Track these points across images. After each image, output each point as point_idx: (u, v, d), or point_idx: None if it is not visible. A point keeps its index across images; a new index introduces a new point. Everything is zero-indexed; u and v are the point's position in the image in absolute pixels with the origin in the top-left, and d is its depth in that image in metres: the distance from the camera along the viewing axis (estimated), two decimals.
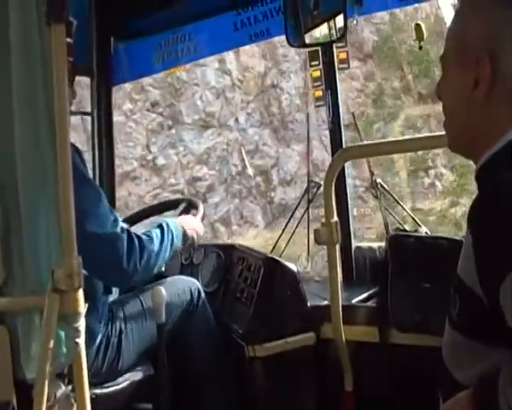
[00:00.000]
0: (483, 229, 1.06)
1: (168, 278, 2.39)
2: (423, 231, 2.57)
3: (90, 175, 2.30)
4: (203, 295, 2.37)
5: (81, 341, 1.45)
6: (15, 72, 1.50)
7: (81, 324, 1.45)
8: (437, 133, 2.08)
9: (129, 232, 2.02)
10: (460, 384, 1.16)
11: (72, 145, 1.67)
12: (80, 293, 1.44)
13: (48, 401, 1.47)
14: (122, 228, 2.01)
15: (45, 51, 1.45)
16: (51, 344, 1.43)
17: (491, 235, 1.04)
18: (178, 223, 2.25)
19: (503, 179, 1.08)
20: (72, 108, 2.12)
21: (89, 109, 3.04)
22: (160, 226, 2.16)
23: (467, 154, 1.27)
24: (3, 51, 1.50)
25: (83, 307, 1.45)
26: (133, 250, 1.99)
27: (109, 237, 1.97)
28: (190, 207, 2.54)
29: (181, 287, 2.32)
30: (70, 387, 1.60)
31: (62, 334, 1.53)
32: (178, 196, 10.00)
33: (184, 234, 2.25)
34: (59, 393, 1.59)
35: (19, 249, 1.55)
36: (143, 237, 2.06)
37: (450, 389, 1.18)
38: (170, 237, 2.15)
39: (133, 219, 2.67)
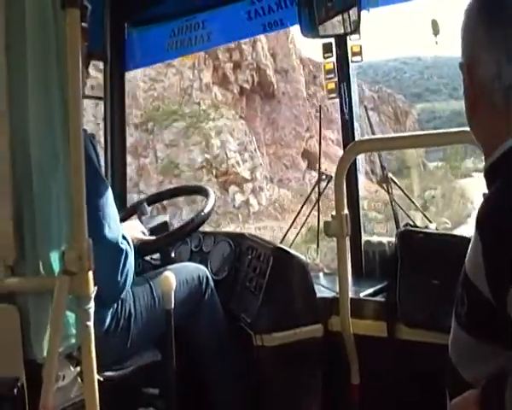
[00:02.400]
0: (492, 233, 1.07)
1: (177, 264, 2.39)
2: (433, 227, 2.56)
3: (102, 162, 2.30)
4: (211, 282, 2.38)
5: (90, 323, 1.45)
6: (31, 56, 1.50)
7: (91, 306, 1.45)
8: (451, 130, 2.06)
9: (127, 242, 1.98)
10: (467, 383, 1.16)
11: (85, 131, 1.67)
12: (90, 275, 1.44)
13: (56, 381, 1.48)
14: (123, 235, 1.98)
15: (60, 35, 1.45)
16: (61, 325, 1.45)
17: (499, 240, 1.05)
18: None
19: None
20: (86, 92, 2.12)
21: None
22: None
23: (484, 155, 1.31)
24: (20, 39, 1.50)
25: (92, 290, 1.45)
26: (127, 263, 1.96)
27: (114, 243, 1.92)
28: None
29: (190, 273, 2.32)
30: (79, 368, 1.61)
31: (72, 316, 1.54)
32: None
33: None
34: (68, 374, 1.60)
35: (31, 230, 1.55)
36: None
37: (457, 387, 1.18)
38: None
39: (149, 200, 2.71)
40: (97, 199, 1.88)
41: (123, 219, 2.46)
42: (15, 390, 1.18)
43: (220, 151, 14.80)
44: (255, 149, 15.48)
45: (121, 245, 1.94)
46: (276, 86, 17.84)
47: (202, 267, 2.42)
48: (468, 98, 1.23)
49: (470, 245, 1.15)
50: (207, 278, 2.37)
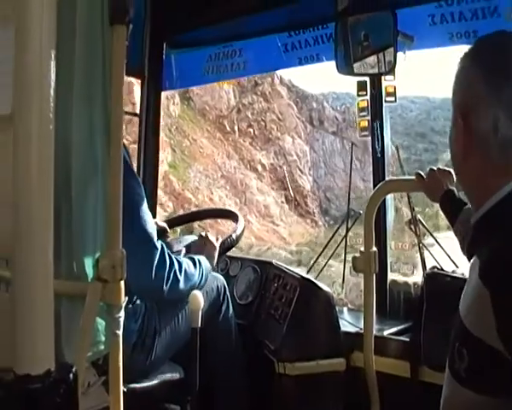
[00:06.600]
0: (505, 289, 1.02)
1: None
2: (460, 271, 2.53)
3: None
4: (228, 292, 2.39)
5: (120, 332, 1.44)
6: (78, 69, 1.51)
7: (121, 315, 1.44)
8: None
9: (163, 247, 2.01)
10: None
11: None
12: (122, 285, 1.43)
13: (82, 386, 1.46)
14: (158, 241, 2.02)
15: (106, 50, 1.47)
16: (91, 331, 1.43)
17: None
18: (206, 261, 2.26)
19: None
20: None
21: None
22: (192, 260, 2.18)
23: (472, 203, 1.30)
24: (69, 51, 1.51)
25: (123, 299, 1.44)
26: (163, 265, 1.99)
27: (149, 239, 1.97)
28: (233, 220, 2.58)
29: (209, 284, 2.30)
30: (103, 378, 1.59)
31: (102, 323, 1.52)
32: None
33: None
34: (93, 381, 1.58)
35: (67, 236, 1.54)
36: (174, 259, 2.05)
37: None
38: (200, 272, 2.16)
39: (173, 222, 2.70)
40: (131, 194, 1.91)
41: None
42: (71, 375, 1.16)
43: None
44: None
45: (156, 242, 1.97)
46: None
47: (220, 277, 2.42)
48: (460, 144, 1.20)
49: (470, 299, 1.12)
50: (225, 287, 2.38)
